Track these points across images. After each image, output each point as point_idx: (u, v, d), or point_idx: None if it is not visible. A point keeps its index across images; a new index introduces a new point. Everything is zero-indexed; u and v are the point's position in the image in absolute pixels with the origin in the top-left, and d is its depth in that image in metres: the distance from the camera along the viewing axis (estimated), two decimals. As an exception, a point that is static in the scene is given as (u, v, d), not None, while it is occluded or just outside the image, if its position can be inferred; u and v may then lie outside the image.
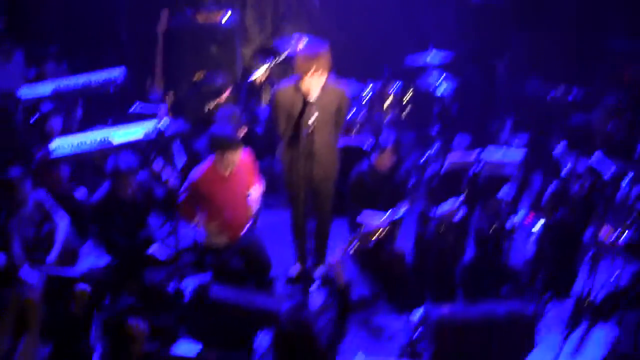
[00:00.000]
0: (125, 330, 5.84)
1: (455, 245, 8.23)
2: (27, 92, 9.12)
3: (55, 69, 9.89)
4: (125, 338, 5.84)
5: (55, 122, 9.04)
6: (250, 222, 8.16)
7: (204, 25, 11.31)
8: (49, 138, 8.67)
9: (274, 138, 8.59)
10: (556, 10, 11.51)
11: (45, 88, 9.20)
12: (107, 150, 8.39)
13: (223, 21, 11.34)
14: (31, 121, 9.15)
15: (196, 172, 7.75)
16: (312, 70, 7.55)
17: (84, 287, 6.58)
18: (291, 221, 8.43)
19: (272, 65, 10.19)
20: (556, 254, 8.09)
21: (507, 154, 8.06)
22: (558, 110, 10.61)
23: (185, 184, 7.78)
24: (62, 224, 7.96)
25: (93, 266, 7.90)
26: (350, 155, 9.18)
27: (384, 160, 8.19)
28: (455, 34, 11.72)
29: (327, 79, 7.76)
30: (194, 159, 8.44)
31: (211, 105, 9.71)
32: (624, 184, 7.71)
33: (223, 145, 7.56)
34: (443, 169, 8.15)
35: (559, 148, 8.37)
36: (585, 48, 11.38)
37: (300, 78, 7.67)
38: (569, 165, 8.02)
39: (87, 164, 9.02)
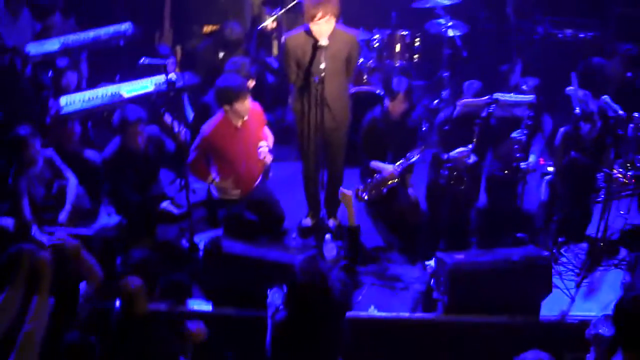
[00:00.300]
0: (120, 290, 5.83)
1: (469, 190, 8.23)
2: (35, 48, 9.06)
3: (62, 23, 9.79)
4: (123, 297, 5.82)
5: (71, 77, 9.00)
6: (262, 175, 8.16)
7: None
8: (65, 93, 8.61)
9: (286, 88, 8.54)
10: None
11: (53, 44, 9.14)
12: (118, 104, 8.32)
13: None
14: (46, 77, 9.11)
15: (207, 127, 7.72)
16: (319, 15, 7.43)
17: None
18: (303, 172, 8.38)
19: (280, 13, 10.11)
20: (570, 196, 8.08)
21: (519, 97, 7.98)
22: (569, 51, 10.56)
23: (197, 140, 7.75)
24: (72, 182, 7.97)
25: (105, 225, 7.94)
26: (362, 103, 9.18)
27: (397, 106, 8.16)
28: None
29: (336, 25, 7.68)
30: (204, 112, 8.39)
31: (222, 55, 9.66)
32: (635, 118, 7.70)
33: (230, 96, 7.52)
34: (455, 112, 8.09)
35: (571, 89, 8.29)
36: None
37: (309, 24, 7.58)
38: (579, 107, 7.96)
39: (98, 120, 9.02)
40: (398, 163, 8.10)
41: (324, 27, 7.51)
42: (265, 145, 7.96)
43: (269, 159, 7.99)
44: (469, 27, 10.43)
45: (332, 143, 8.05)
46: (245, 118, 7.71)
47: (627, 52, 8.87)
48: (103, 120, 8.73)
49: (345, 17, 10.03)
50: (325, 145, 7.95)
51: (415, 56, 10.41)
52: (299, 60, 7.74)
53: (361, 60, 9.93)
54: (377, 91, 9.52)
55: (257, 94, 8.52)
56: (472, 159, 8.06)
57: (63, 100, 8.33)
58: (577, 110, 7.90)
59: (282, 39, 7.96)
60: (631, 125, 7.84)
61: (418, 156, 8.15)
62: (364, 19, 11.26)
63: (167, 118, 8.73)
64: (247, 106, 7.62)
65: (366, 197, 7.97)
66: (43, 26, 9.45)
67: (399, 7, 10.90)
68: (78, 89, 8.89)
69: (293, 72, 7.84)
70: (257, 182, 8.08)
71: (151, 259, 6.86)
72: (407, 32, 10.35)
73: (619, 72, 9.21)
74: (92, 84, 9.12)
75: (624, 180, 7.70)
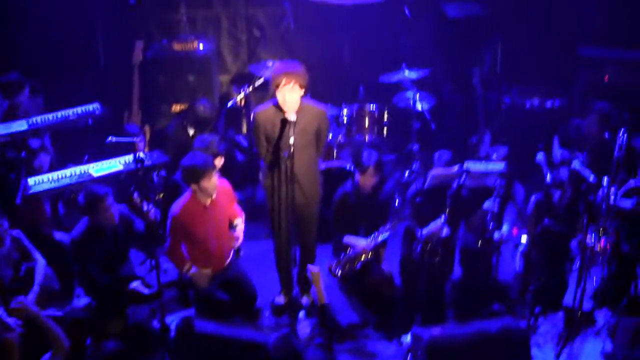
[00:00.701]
0: None
1: (443, 263, 8.15)
2: (3, 128, 8.97)
3: (29, 101, 9.73)
4: None
5: (44, 159, 8.92)
6: (233, 253, 8.07)
7: (180, 54, 11.24)
8: (38, 174, 8.51)
9: (255, 166, 8.50)
10: (530, 19, 11.56)
11: (20, 124, 9.06)
12: (86, 183, 8.22)
13: (200, 48, 11.27)
14: (15, 157, 9.02)
15: (176, 207, 7.66)
16: (283, 82, 7.47)
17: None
18: (275, 249, 8.31)
19: (248, 90, 10.14)
20: (544, 264, 8.05)
21: (489, 166, 7.99)
22: (537, 119, 10.65)
23: (168, 222, 7.66)
24: (41, 263, 7.81)
25: (75, 306, 7.77)
26: (332, 178, 9.18)
27: (367, 179, 8.14)
28: (429, 51, 11.70)
29: (305, 99, 7.72)
30: (174, 191, 8.32)
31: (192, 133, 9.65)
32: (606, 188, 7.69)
33: (196, 174, 7.48)
34: (426, 183, 8.07)
35: (540, 156, 8.33)
36: (559, 56, 11.40)
37: (276, 95, 7.59)
38: (550, 175, 8.00)
39: (68, 201, 8.91)
40: (371, 238, 8.07)
41: (288, 95, 7.52)
42: (241, 222, 7.93)
43: (239, 238, 7.94)
44: (436, 99, 10.50)
45: (303, 219, 8.02)
46: (214, 196, 7.64)
47: (601, 110, 8.91)
48: (71, 202, 8.60)
49: (313, 93, 10.14)
50: (296, 221, 7.92)
51: (385, 130, 10.40)
52: (268, 134, 7.73)
53: (330, 135, 9.96)
54: (347, 166, 9.49)
55: (226, 172, 8.51)
56: (445, 231, 8.01)
57: (31, 180, 8.24)
58: (548, 178, 7.92)
59: (252, 113, 7.94)
60: (602, 191, 7.83)
61: (390, 231, 8.13)
62: (331, 94, 11.37)
63: (137, 198, 8.64)
64: (215, 183, 7.57)
65: (339, 273, 7.94)
66: (10, 104, 9.36)
67: (366, 81, 10.99)
68: (51, 170, 8.80)
69: (263, 147, 7.82)
70: (228, 261, 7.97)
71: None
72: (375, 106, 10.36)
73: (594, 131, 9.22)
74: (59, 165, 9.03)
75: (598, 247, 7.66)
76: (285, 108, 7.55)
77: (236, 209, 8.13)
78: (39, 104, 9.76)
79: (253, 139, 8.04)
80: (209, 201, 7.65)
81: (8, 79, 9.34)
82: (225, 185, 7.96)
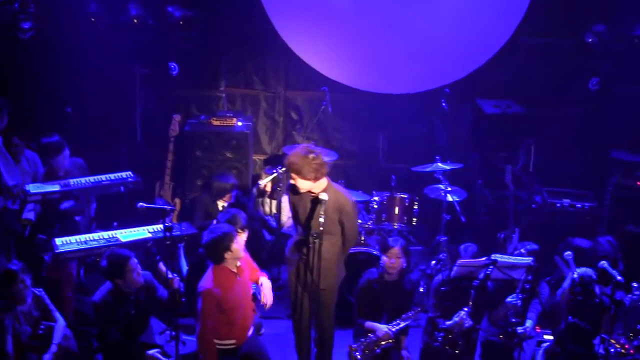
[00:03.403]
0: None
1: (463, 355, 8.08)
2: (35, 188, 9.09)
3: (70, 163, 9.88)
4: None
5: (81, 221, 9.02)
6: (254, 329, 8.03)
7: (218, 129, 11.39)
8: (71, 234, 8.59)
9: (281, 247, 8.50)
10: (565, 120, 11.69)
11: (53, 185, 9.18)
12: (113, 247, 8.26)
13: (238, 125, 11.42)
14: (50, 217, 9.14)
15: (206, 281, 7.54)
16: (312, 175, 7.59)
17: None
18: (294, 329, 8.27)
19: (281, 172, 10.20)
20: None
21: (517, 259, 7.96)
22: (567, 220, 10.64)
23: (199, 299, 7.50)
24: (60, 323, 7.82)
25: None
26: (358, 263, 9.19)
27: (393, 262, 8.16)
28: (463, 144, 11.81)
29: (331, 184, 7.79)
30: (200, 263, 8.36)
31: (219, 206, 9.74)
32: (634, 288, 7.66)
33: (225, 239, 7.45)
34: (453, 272, 8.04)
35: (567, 256, 8.31)
36: (592, 158, 11.50)
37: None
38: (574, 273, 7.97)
39: (90, 266, 8.96)
40: (393, 324, 8.08)
41: (298, 184, 7.65)
42: (266, 280, 8.01)
43: (268, 297, 7.94)
44: (467, 193, 10.53)
45: (320, 302, 7.98)
46: (239, 264, 7.65)
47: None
48: (94, 265, 8.63)
49: (346, 178, 10.25)
50: (316, 303, 7.92)
51: (414, 220, 10.41)
52: (297, 213, 7.82)
53: (359, 221, 10.00)
54: (374, 252, 9.48)
55: (254, 251, 8.55)
56: (468, 323, 7.96)
57: (59, 240, 8.28)
58: (575, 275, 7.88)
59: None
60: (630, 295, 7.78)
61: (412, 319, 8.20)
62: (363, 180, 11.48)
63: (162, 267, 8.66)
64: (242, 243, 7.60)
65: (359, 357, 7.88)
66: (50, 165, 9.50)
67: (398, 170, 11.07)
68: (87, 231, 8.89)
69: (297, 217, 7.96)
70: (249, 334, 7.91)
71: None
72: (406, 196, 10.40)
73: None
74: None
75: (622, 349, 7.57)
76: (313, 192, 7.69)
77: (257, 270, 8.14)
78: (81, 166, 9.88)
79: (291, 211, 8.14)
80: (236, 267, 7.64)
81: (49, 140, 9.48)
82: (246, 254, 7.99)
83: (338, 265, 8.06)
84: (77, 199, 9.26)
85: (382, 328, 8.11)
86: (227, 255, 7.48)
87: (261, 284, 7.98)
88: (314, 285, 7.73)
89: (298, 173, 7.59)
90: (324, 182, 7.71)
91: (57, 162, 9.48)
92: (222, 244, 7.45)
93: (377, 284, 8.33)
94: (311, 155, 7.56)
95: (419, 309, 8.29)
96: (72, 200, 9.14)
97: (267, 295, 7.94)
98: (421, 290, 8.89)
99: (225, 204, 9.89)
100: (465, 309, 7.92)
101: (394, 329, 8.09)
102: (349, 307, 8.70)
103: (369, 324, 8.22)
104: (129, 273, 7.59)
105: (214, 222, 8.62)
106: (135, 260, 7.65)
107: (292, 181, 7.70)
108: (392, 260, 8.18)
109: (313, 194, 7.71)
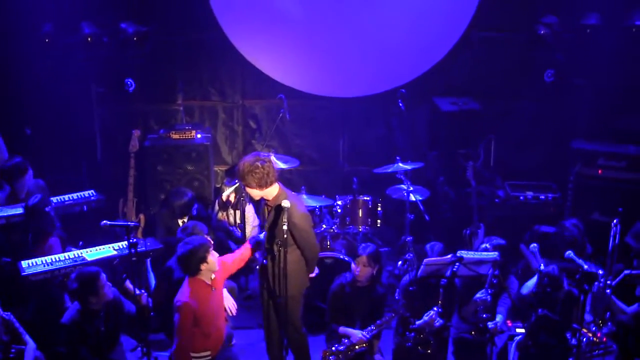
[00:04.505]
0: None
1: (436, 353, 8.12)
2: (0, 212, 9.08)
3: (34, 185, 9.82)
4: None
5: (54, 242, 8.92)
6: (226, 340, 8.00)
7: (178, 142, 11.37)
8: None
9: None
10: (523, 114, 11.81)
11: (17, 208, 9.12)
12: (80, 266, 8.20)
13: (197, 138, 11.41)
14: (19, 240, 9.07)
15: (182, 294, 7.50)
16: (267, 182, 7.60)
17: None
18: (265, 337, 8.27)
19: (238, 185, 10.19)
20: (540, 355, 7.97)
21: (482, 254, 8.00)
22: (531, 212, 10.72)
23: (176, 314, 7.45)
24: (31, 346, 7.72)
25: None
26: (326, 268, 9.20)
27: (363, 269, 8.20)
28: (423, 143, 11.87)
29: (284, 192, 7.76)
30: (168, 277, 8.33)
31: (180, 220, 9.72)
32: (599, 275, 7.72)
33: (199, 252, 7.43)
34: (420, 271, 8.06)
35: (533, 248, 8.39)
36: (553, 150, 11.62)
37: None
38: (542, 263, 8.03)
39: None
40: (367, 330, 8.15)
41: (269, 191, 7.68)
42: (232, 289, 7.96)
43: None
44: (429, 191, 10.57)
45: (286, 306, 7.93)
46: (213, 276, 7.63)
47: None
48: (62, 285, 8.55)
49: (307, 184, 10.26)
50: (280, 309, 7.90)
51: (378, 221, 10.43)
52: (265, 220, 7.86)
53: (324, 226, 10.00)
54: (340, 256, 9.49)
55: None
56: (438, 322, 7.99)
57: (24, 263, 8.20)
58: (542, 266, 7.94)
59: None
60: (596, 283, 7.83)
61: (387, 324, 8.26)
62: (325, 185, 11.48)
63: (129, 285, 8.60)
64: (216, 255, 7.58)
65: (333, 360, 7.91)
66: (12, 188, 9.44)
67: (359, 173, 11.10)
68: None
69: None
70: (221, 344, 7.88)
71: None
72: (369, 198, 10.42)
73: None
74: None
75: (594, 338, 7.63)
76: (269, 199, 7.72)
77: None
78: (42, 187, 9.82)
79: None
80: (210, 279, 7.61)
81: (12, 163, 9.43)
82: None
83: (300, 274, 7.97)
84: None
85: (357, 334, 8.15)
86: (203, 266, 7.46)
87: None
88: (277, 293, 7.72)
89: (243, 181, 7.62)
90: (274, 189, 7.68)
91: (20, 184, 9.44)
92: (198, 255, 7.43)
93: (349, 288, 8.35)
94: (256, 163, 7.54)
95: (393, 315, 8.31)
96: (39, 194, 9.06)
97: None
98: (396, 298, 8.91)
99: (185, 219, 9.85)
100: (435, 309, 7.96)
101: (368, 334, 8.14)
102: (319, 312, 8.71)
103: (343, 329, 8.25)
104: (100, 289, 7.54)
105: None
106: (104, 275, 7.60)
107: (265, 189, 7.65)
108: (359, 268, 8.21)
109: (268, 202, 7.72)
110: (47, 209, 8.77)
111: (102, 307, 7.68)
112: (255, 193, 7.65)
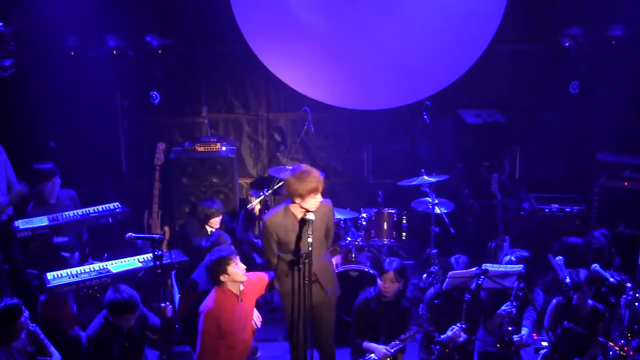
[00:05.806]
0: None
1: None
2: (24, 224, 9.12)
3: (63, 194, 9.91)
4: None
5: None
6: (251, 355, 7.99)
7: (202, 155, 11.39)
8: (61, 268, 8.56)
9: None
10: (548, 126, 11.77)
11: (41, 220, 9.21)
12: (105, 279, 8.25)
13: (222, 150, 11.43)
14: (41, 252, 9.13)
15: (208, 302, 7.52)
16: (320, 190, 7.54)
17: None
18: (291, 352, 8.16)
19: (267, 194, 10.20)
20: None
21: (507, 267, 7.96)
22: (556, 225, 10.67)
23: (200, 322, 7.48)
24: (56, 357, 7.74)
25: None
26: (351, 280, 9.21)
27: (387, 288, 8.18)
28: (448, 156, 11.84)
29: None
30: (192, 289, 8.34)
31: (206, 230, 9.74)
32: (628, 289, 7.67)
33: (221, 263, 7.43)
34: (445, 284, 8.02)
35: (559, 260, 8.34)
36: (577, 162, 11.58)
37: (303, 201, 7.55)
38: (568, 277, 7.97)
39: (81, 297, 8.91)
40: (392, 345, 8.11)
41: (318, 200, 7.58)
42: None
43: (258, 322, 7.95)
44: (455, 204, 10.54)
45: (322, 317, 7.93)
46: (242, 287, 7.61)
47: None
48: (87, 297, 8.60)
49: (333, 196, 10.21)
50: (315, 321, 7.83)
51: (403, 234, 10.42)
52: (280, 240, 7.71)
53: (349, 239, 9.98)
54: (366, 269, 9.47)
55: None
56: (462, 337, 7.94)
57: (50, 275, 8.24)
58: (567, 280, 7.88)
59: (262, 221, 7.92)
60: (624, 296, 7.79)
61: (411, 338, 8.21)
62: (350, 198, 11.47)
63: (169, 311, 8.61)
64: (243, 268, 7.56)
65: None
66: (40, 192, 9.53)
67: (384, 186, 11.08)
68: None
69: (273, 255, 7.81)
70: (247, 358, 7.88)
71: None
72: (394, 211, 10.40)
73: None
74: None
75: (621, 352, 7.56)
76: (312, 210, 7.57)
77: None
78: (73, 197, 9.90)
79: (262, 247, 7.98)
80: (239, 290, 7.61)
81: (41, 166, 9.54)
82: (252, 276, 7.90)
83: (334, 274, 8.15)
84: (68, 234, 9.25)
85: (381, 349, 8.12)
86: (224, 277, 7.45)
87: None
88: (313, 302, 7.63)
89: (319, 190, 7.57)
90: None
91: (47, 188, 9.54)
92: (219, 266, 7.44)
93: (374, 303, 8.31)
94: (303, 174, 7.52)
95: (417, 329, 8.27)
96: (67, 237, 9.12)
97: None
98: (420, 312, 8.91)
99: (214, 229, 9.85)
100: (459, 324, 7.91)
101: (392, 350, 8.10)
102: (344, 324, 8.68)
103: (367, 344, 8.22)
104: (127, 320, 7.62)
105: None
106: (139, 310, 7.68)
107: (314, 200, 7.54)
108: (386, 284, 8.18)
109: (293, 218, 7.65)
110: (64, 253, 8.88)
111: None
112: (314, 204, 7.59)
